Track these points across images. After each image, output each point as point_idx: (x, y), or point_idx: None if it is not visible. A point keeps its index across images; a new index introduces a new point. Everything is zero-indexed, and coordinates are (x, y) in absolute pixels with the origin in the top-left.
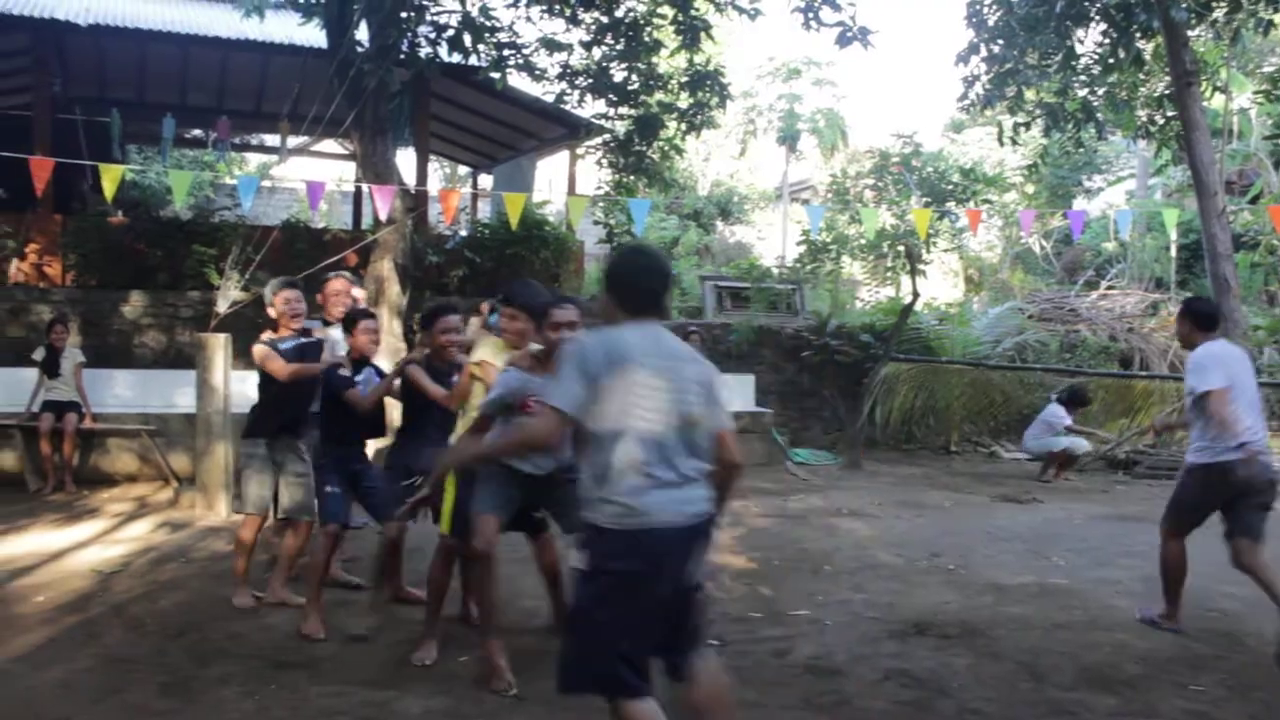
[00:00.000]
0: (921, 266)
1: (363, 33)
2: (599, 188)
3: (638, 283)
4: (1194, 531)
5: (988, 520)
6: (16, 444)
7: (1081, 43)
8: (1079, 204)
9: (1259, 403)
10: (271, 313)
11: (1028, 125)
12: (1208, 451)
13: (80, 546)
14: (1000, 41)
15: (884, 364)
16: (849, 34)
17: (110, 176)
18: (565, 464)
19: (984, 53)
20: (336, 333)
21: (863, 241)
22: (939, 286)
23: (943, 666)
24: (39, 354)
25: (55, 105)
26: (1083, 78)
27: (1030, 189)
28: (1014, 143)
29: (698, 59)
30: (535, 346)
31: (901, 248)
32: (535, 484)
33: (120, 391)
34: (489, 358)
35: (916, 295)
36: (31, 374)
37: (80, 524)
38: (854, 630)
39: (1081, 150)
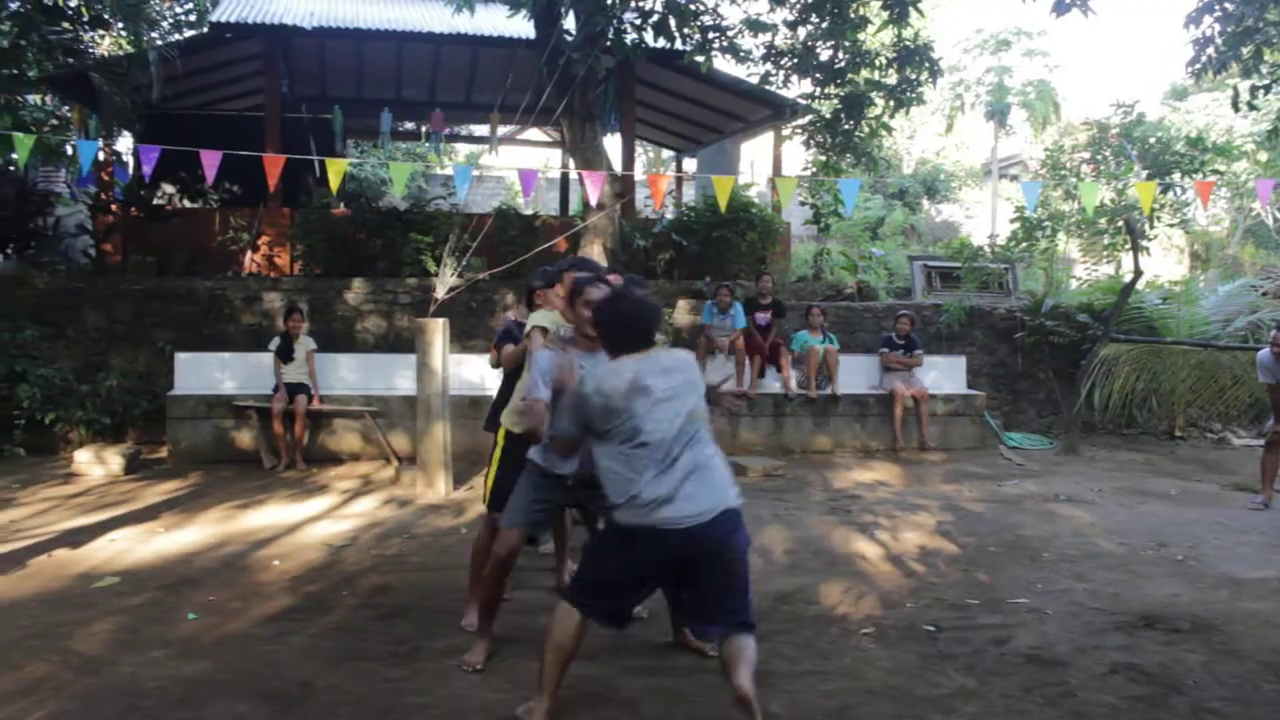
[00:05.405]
0: (1144, 242)
1: (569, 22)
2: (805, 168)
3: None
4: None
5: (1219, 510)
6: (253, 424)
7: None
8: None
9: None
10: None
11: (1267, 88)
12: None
13: (312, 521)
14: None
15: (1103, 345)
16: (1068, 0)
17: (335, 170)
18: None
19: (1218, 11)
20: None
21: (1078, 218)
22: (1162, 263)
23: (1174, 662)
24: (274, 344)
25: (284, 105)
26: None
27: (1263, 156)
28: (1251, 108)
29: (905, 34)
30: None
31: (1122, 223)
32: (571, 486)
33: (344, 374)
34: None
35: (1139, 273)
36: (264, 358)
37: (311, 500)
38: (1076, 620)
39: None
